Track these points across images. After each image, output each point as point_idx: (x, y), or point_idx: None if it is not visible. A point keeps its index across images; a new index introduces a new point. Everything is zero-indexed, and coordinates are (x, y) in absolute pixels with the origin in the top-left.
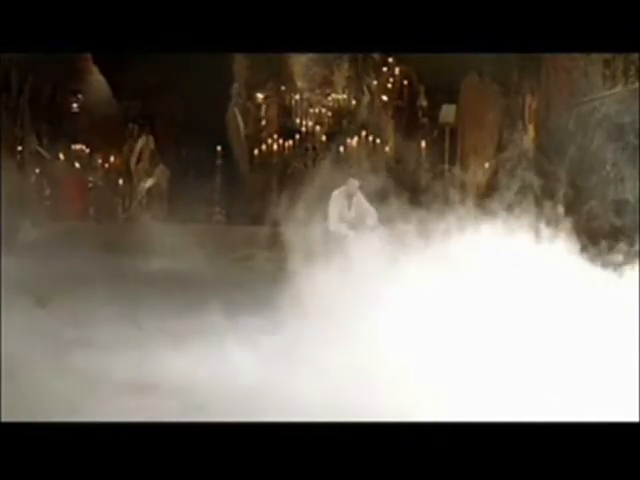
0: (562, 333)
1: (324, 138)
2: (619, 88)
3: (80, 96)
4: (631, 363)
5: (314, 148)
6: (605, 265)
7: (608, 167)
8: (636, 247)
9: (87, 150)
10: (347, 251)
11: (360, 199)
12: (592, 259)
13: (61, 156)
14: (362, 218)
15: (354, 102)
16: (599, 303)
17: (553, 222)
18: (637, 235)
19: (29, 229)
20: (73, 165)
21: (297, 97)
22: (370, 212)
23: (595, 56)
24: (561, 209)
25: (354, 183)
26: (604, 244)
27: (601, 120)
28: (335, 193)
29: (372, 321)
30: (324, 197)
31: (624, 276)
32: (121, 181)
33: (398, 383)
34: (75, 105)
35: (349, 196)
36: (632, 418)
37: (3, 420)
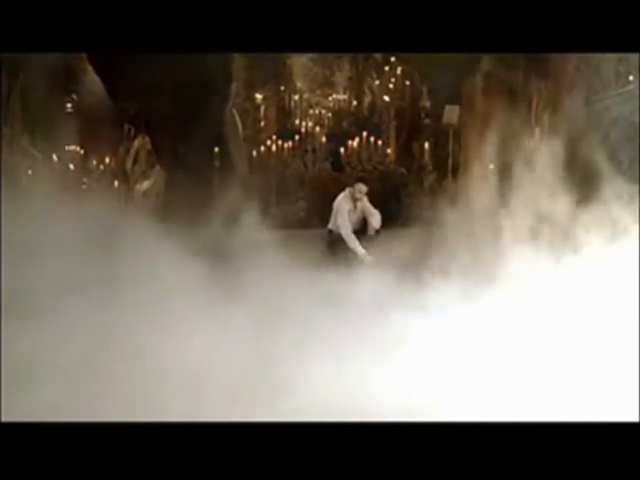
0: (562, 333)
1: (324, 139)
2: (633, 85)
3: (74, 96)
4: (631, 363)
5: (314, 150)
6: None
7: (624, 167)
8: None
9: (82, 151)
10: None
11: (365, 203)
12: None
13: (54, 157)
14: (365, 220)
15: (355, 103)
16: (599, 304)
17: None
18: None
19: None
20: (67, 166)
21: (297, 98)
22: (374, 215)
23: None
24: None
25: (362, 189)
26: None
27: (616, 119)
28: (341, 196)
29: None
30: (326, 199)
31: (624, 277)
32: (117, 183)
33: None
34: (69, 105)
35: (354, 199)
36: (632, 418)
37: (3, 420)
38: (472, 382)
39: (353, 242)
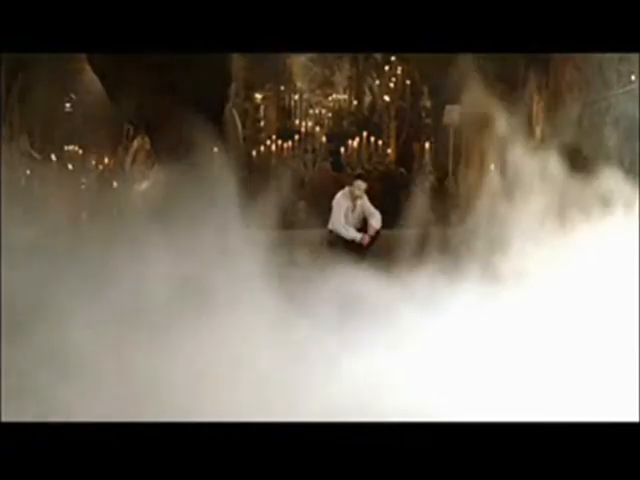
0: (562, 333)
1: (324, 139)
2: (635, 85)
3: (73, 96)
4: (631, 363)
5: (314, 150)
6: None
7: (626, 166)
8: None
9: (80, 151)
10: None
11: (365, 201)
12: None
13: (53, 157)
14: (366, 220)
15: (355, 103)
16: (600, 304)
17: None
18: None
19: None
20: (66, 166)
21: (296, 97)
22: (375, 214)
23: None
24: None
25: (361, 185)
26: None
27: (618, 118)
28: (340, 194)
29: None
30: (326, 199)
31: (625, 280)
32: (115, 183)
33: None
34: (68, 105)
35: (354, 198)
36: (632, 418)
37: (3, 420)
38: (474, 381)
39: (346, 230)
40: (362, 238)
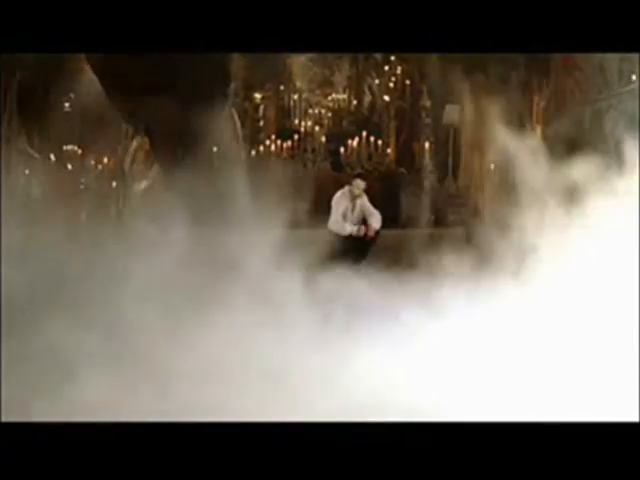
0: (562, 333)
1: (324, 139)
2: (636, 84)
3: (72, 95)
4: (631, 363)
5: (313, 149)
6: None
7: (627, 165)
8: None
9: (79, 151)
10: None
11: (364, 201)
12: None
13: (52, 157)
14: (366, 220)
15: (355, 102)
16: (600, 305)
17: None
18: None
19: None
20: (65, 166)
21: (296, 97)
22: (374, 214)
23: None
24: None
25: (360, 184)
26: None
27: (618, 117)
28: (339, 193)
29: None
30: (326, 199)
31: (625, 280)
32: (115, 183)
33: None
34: (67, 105)
35: (353, 197)
36: (632, 418)
37: (3, 420)
38: (474, 381)
39: (341, 226)
40: (359, 229)
